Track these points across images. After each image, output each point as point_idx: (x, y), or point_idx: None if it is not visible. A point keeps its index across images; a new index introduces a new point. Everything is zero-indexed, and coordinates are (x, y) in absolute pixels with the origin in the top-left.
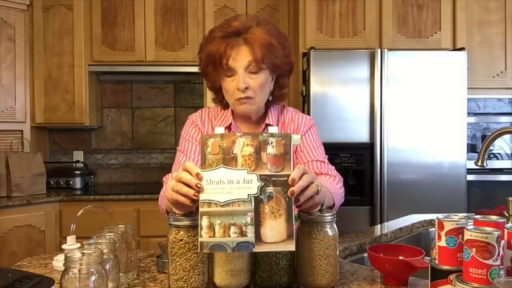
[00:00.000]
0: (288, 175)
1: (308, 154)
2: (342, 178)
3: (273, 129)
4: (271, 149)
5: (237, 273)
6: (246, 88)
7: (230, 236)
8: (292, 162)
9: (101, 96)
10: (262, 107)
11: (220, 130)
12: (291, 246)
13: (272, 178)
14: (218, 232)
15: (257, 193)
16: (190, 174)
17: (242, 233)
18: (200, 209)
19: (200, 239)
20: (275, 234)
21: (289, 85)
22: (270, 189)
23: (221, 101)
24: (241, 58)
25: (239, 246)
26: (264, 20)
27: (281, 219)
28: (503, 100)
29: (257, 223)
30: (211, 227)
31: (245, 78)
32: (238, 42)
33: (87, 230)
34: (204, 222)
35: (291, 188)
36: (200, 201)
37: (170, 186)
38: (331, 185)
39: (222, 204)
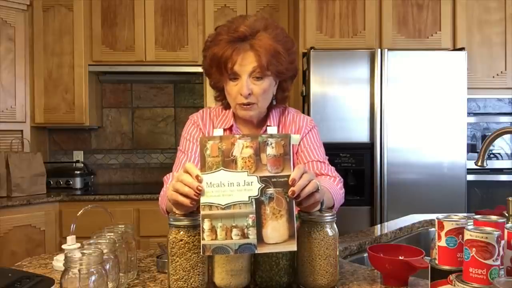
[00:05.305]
0: (288, 176)
1: (308, 154)
2: (342, 179)
3: (272, 130)
4: (270, 150)
5: (237, 273)
6: (249, 94)
7: (232, 239)
8: (292, 162)
9: (101, 96)
10: (264, 111)
11: (219, 132)
12: (292, 246)
13: (273, 179)
14: (220, 235)
15: (257, 195)
16: (191, 175)
17: (244, 235)
18: (202, 212)
19: (202, 242)
20: (277, 235)
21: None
22: (270, 190)
23: (223, 100)
24: (246, 63)
25: (242, 248)
26: (273, 23)
27: (282, 219)
28: (503, 100)
29: (259, 224)
30: (213, 229)
31: (249, 84)
32: (244, 47)
33: (87, 230)
34: (206, 225)
35: (292, 188)
36: (201, 204)
37: (171, 186)
38: (331, 185)
39: (223, 207)
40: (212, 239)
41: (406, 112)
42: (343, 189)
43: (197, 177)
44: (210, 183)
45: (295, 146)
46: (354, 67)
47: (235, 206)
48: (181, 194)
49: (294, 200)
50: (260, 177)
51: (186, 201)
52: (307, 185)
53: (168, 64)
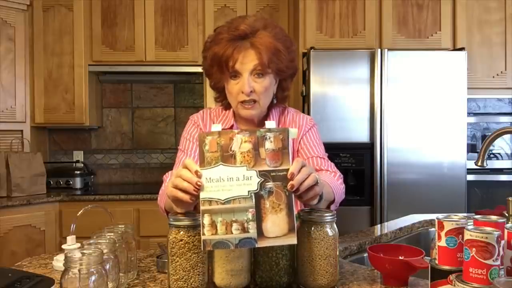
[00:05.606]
0: (287, 170)
1: (308, 151)
2: (342, 175)
3: (270, 124)
4: (269, 144)
5: (237, 273)
6: (251, 91)
7: (232, 233)
8: (291, 156)
9: (101, 96)
10: (265, 110)
11: (217, 127)
12: (293, 240)
13: (272, 173)
14: (220, 230)
15: (257, 189)
16: (190, 171)
17: (244, 229)
18: (201, 207)
19: (202, 237)
20: (277, 229)
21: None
22: (270, 184)
23: (223, 101)
24: (247, 61)
25: (242, 242)
26: (272, 23)
27: (282, 213)
28: (503, 100)
29: (259, 218)
30: (213, 224)
31: (250, 82)
32: (245, 45)
33: (87, 230)
34: (206, 220)
35: (291, 182)
36: (200, 199)
37: (170, 183)
38: (331, 180)
39: (223, 201)
40: (212, 234)
41: (406, 112)
42: (344, 185)
43: (196, 172)
44: (210, 178)
45: (295, 144)
46: (354, 67)
47: (235, 200)
48: (181, 189)
49: (293, 194)
50: (259, 171)
51: (185, 197)
52: (306, 178)
53: (168, 64)
